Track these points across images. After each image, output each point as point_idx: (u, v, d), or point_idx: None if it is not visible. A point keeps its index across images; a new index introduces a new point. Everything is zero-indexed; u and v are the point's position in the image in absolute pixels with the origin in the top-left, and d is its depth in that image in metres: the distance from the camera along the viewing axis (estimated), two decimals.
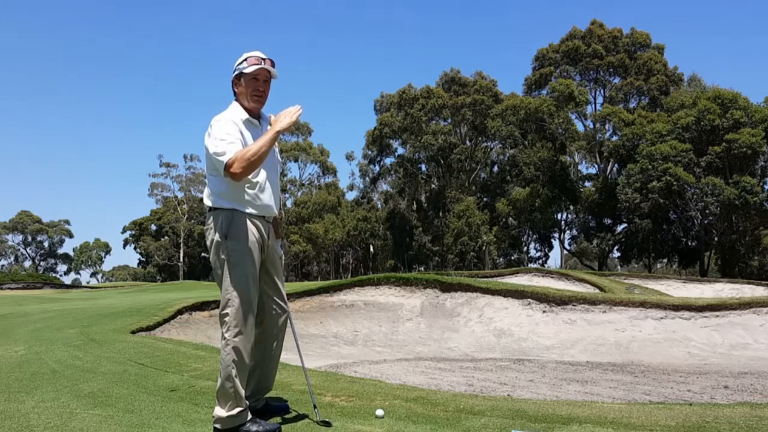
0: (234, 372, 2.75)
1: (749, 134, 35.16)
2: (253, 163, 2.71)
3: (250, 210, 2.87)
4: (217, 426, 2.77)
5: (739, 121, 36.23)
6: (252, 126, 2.94)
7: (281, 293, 3.12)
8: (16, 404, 3.45)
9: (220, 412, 2.76)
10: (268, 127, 2.95)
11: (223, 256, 2.82)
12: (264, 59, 2.94)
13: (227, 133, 2.77)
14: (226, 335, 2.80)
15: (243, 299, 2.81)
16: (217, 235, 2.83)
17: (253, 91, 2.95)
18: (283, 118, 2.88)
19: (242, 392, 2.80)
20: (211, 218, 2.87)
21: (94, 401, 3.49)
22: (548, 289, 11.48)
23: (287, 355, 7.29)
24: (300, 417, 3.08)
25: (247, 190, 2.85)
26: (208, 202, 2.89)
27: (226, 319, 2.81)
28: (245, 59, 2.95)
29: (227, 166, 2.69)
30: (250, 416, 2.83)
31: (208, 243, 2.91)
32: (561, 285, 16.70)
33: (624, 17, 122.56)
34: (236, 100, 3.00)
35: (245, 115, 2.93)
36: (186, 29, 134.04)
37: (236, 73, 2.96)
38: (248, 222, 2.86)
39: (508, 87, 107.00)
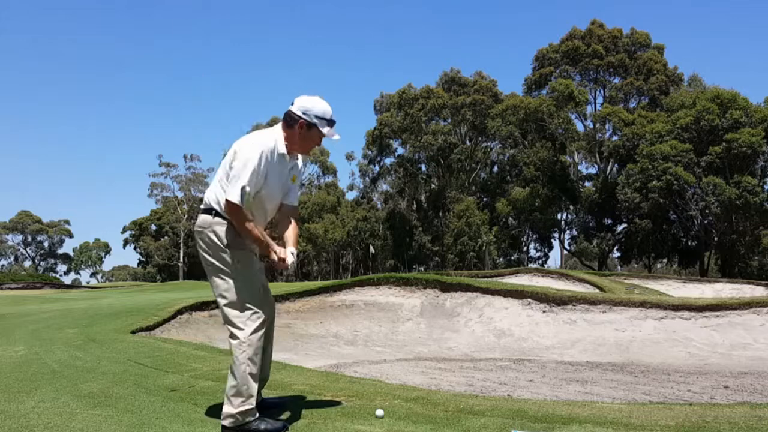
0: (249, 369, 2.79)
1: (749, 134, 35.18)
2: (239, 228, 2.83)
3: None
4: (226, 423, 2.76)
5: (739, 120, 36.24)
6: (283, 162, 2.99)
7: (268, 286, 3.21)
8: (16, 404, 3.45)
9: (230, 409, 2.77)
10: (298, 164, 3.13)
11: (228, 260, 2.86)
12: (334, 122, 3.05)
13: (250, 176, 2.79)
14: (240, 335, 2.81)
15: (255, 299, 2.87)
16: (218, 241, 2.86)
17: (313, 145, 3.07)
18: (287, 255, 2.96)
19: (254, 390, 2.83)
20: (216, 221, 2.88)
21: (94, 401, 3.49)
22: (548, 289, 11.48)
23: (287, 355, 7.30)
24: (300, 417, 3.08)
25: (253, 211, 2.91)
26: (215, 206, 2.88)
27: (241, 318, 2.82)
28: (326, 119, 2.99)
29: (230, 204, 2.77)
30: (257, 414, 2.83)
31: (204, 243, 2.89)
32: (561, 285, 16.69)
33: (624, 17, 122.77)
34: (285, 133, 2.99)
35: (284, 150, 2.95)
36: (186, 29, 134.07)
37: (309, 121, 2.96)
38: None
39: (508, 87, 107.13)
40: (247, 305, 2.84)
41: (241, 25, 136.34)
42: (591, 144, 47.52)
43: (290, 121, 2.99)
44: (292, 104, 3.01)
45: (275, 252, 2.94)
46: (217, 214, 2.88)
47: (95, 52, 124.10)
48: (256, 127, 39.09)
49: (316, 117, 2.97)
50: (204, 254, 2.91)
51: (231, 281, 2.85)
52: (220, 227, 2.86)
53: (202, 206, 2.97)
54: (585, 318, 9.98)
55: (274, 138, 2.94)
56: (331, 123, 3.03)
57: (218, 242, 2.85)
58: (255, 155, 2.81)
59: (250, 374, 2.79)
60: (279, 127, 3.03)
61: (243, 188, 2.76)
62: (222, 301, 2.86)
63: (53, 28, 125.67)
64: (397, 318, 11.09)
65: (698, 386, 5.50)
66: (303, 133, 2.98)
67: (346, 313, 11.32)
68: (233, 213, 2.79)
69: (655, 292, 14.63)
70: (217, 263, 2.86)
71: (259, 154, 2.82)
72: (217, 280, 2.87)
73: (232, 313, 2.83)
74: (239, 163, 2.81)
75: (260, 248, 2.94)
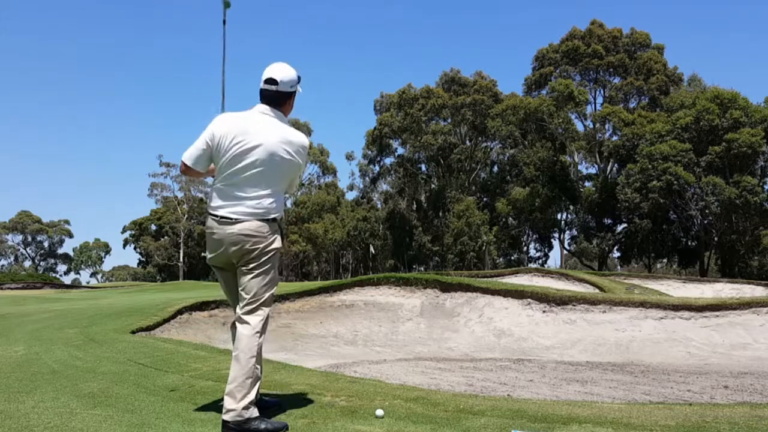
0: (257, 360, 2.89)
1: (749, 134, 35.17)
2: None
3: None
4: (227, 417, 2.77)
5: (739, 120, 36.24)
6: None
7: None
8: (16, 404, 3.45)
9: (232, 404, 2.78)
10: None
11: (275, 262, 3.08)
12: None
13: None
14: (258, 327, 2.95)
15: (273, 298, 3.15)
16: (276, 244, 3.05)
17: None
18: None
19: (259, 380, 2.93)
20: (275, 228, 3.05)
21: (94, 401, 3.49)
22: (548, 289, 11.48)
23: (287, 355, 7.30)
24: (300, 416, 3.08)
25: None
26: (275, 215, 3.04)
27: (264, 314, 3.00)
28: (299, 81, 3.17)
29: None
30: (257, 413, 2.84)
31: (259, 247, 2.99)
32: (561, 285, 16.69)
33: (624, 17, 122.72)
34: (284, 113, 3.15)
35: None
36: (187, 28, 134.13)
37: (294, 90, 3.15)
38: None
39: (508, 87, 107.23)
40: (270, 303, 3.08)
41: (241, 24, 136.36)
42: (591, 144, 47.50)
43: (282, 99, 3.11)
44: (274, 83, 3.06)
45: None
46: (274, 221, 3.04)
47: (95, 52, 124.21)
48: None
49: (298, 83, 3.16)
50: (257, 257, 3.00)
51: (274, 279, 3.07)
52: (279, 231, 3.08)
53: (252, 216, 2.99)
54: (585, 318, 9.98)
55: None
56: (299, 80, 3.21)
57: (278, 245, 3.05)
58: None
59: (256, 365, 2.88)
60: (268, 110, 3.08)
61: None
62: (260, 295, 3.00)
63: (53, 28, 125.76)
64: (397, 318, 11.09)
65: (698, 386, 5.50)
66: (291, 106, 3.19)
67: (346, 313, 11.32)
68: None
69: (655, 292, 14.63)
70: (270, 264, 3.03)
71: None
72: (264, 278, 3.02)
73: (264, 306, 3.01)
74: (304, 165, 3.21)
75: None
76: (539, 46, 66.99)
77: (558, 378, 5.92)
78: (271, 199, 3.01)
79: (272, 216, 3.01)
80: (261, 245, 2.98)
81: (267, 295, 3.03)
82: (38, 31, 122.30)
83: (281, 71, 3.08)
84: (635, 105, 47.82)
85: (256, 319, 2.96)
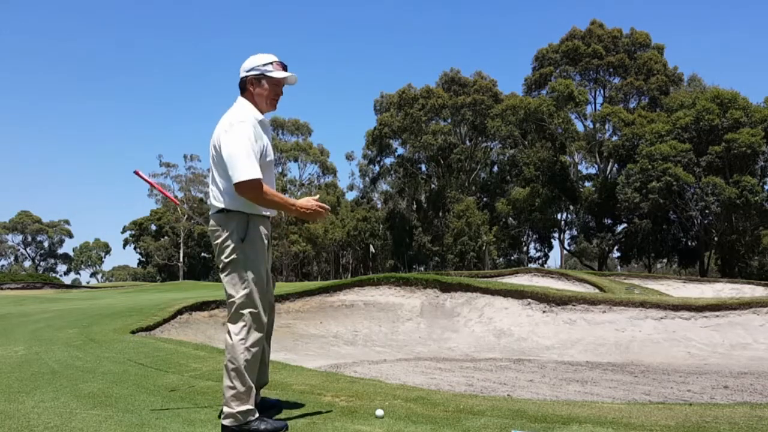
0: (249, 367, 2.79)
1: (749, 134, 35.16)
2: (264, 202, 2.80)
3: (263, 212, 2.92)
4: (226, 423, 2.77)
5: (739, 120, 36.23)
6: (266, 128, 2.99)
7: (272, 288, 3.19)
8: (16, 404, 3.45)
9: (229, 409, 2.77)
10: (271, 132, 2.99)
11: (239, 258, 2.84)
12: (286, 66, 3.03)
13: (252, 148, 2.77)
14: (241, 334, 2.81)
15: (260, 300, 2.87)
16: (232, 238, 2.84)
17: (275, 96, 3.01)
18: (308, 205, 2.92)
19: (253, 389, 2.82)
20: (226, 221, 2.86)
21: (94, 401, 3.50)
22: (548, 289, 11.48)
23: (287, 355, 7.30)
24: (300, 416, 3.08)
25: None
26: (220, 204, 2.86)
27: (244, 319, 2.82)
28: (270, 62, 2.95)
29: (244, 184, 2.71)
30: (257, 414, 2.83)
31: (217, 242, 2.87)
32: (561, 285, 16.69)
33: (624, 17, 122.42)
34: (247, 99, 2.98)
35: (260, 116, 2.96)
36: (186, 28, 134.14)
37: (257, 73, 2.95)
38: (261, 225, 2.92)
39: (508, 87, 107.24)
40: (255, 302, 2.84)
41: (241, 24, 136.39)
42: (591, 144, 47.48)
43: (243, 87, 2.99)
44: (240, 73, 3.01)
45: (302, 207, 2.91)
46: (228, 211, 2.85)
47: (95, 52, 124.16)
48: None
49: (261, 66, 2.95)
50: (219, 253, 2.89)
51: (243, 278, 2.84)
52: (233, 223, 2.84)
53: (210, 211, 2.96)
54: (585, 318, 9.97)
55: (244, 108, 2.93)
56: (281, 66, 3.00)
57: (233, 240, 2.83)
58: (242, 127, 2.79)
59: (249, 372, 2.80)
60: (238, 100, 3.01)
61: (251, 160, 2.73)
62: (234, 297, 2.84)
63: (53, 28, 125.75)
64: (397, 318, 11.09)
65: (698, 386, 5.49)
66: (258, 90, 2.96)
67: (346, 313, 11.32)
68: (252, 189, 2.71)
69: (655, 292, 14.63)
70: (231, 259, 2.84)
71: (246, 124, 2.82)
72: (231, 277, 2.85)
73: (240, 309, 2.83)
74: (233, 140, 2.75)
75: (288, 212, 2.95)
76: (539, 46, 66.96)
77: (558, 378, 5.92)
78: (220, 189, 2.87)
79: (221, 207, 2.85)
80: (218, 240, 2.87)
81: (239, 295, 2.82)
82: (38, 31, 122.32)
83: (246, 61, 3.01)
84: (635, 105, 47.80)
85: (236, 327, 2.82)
